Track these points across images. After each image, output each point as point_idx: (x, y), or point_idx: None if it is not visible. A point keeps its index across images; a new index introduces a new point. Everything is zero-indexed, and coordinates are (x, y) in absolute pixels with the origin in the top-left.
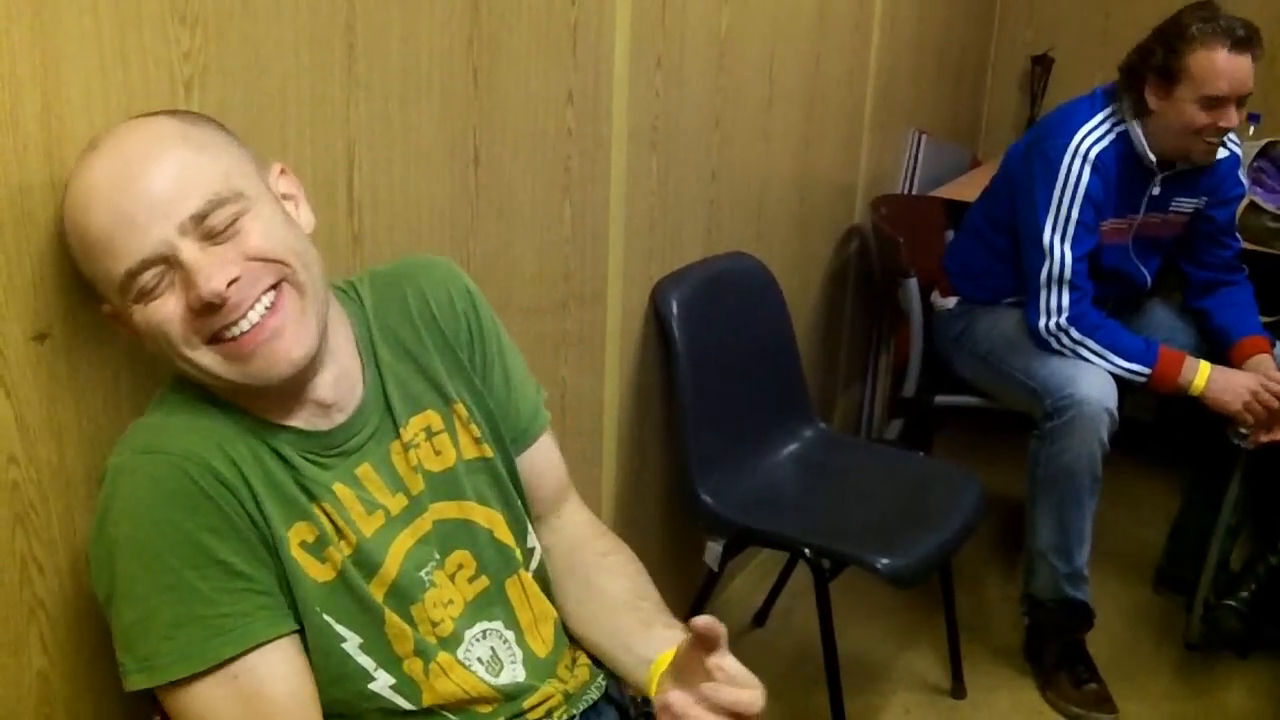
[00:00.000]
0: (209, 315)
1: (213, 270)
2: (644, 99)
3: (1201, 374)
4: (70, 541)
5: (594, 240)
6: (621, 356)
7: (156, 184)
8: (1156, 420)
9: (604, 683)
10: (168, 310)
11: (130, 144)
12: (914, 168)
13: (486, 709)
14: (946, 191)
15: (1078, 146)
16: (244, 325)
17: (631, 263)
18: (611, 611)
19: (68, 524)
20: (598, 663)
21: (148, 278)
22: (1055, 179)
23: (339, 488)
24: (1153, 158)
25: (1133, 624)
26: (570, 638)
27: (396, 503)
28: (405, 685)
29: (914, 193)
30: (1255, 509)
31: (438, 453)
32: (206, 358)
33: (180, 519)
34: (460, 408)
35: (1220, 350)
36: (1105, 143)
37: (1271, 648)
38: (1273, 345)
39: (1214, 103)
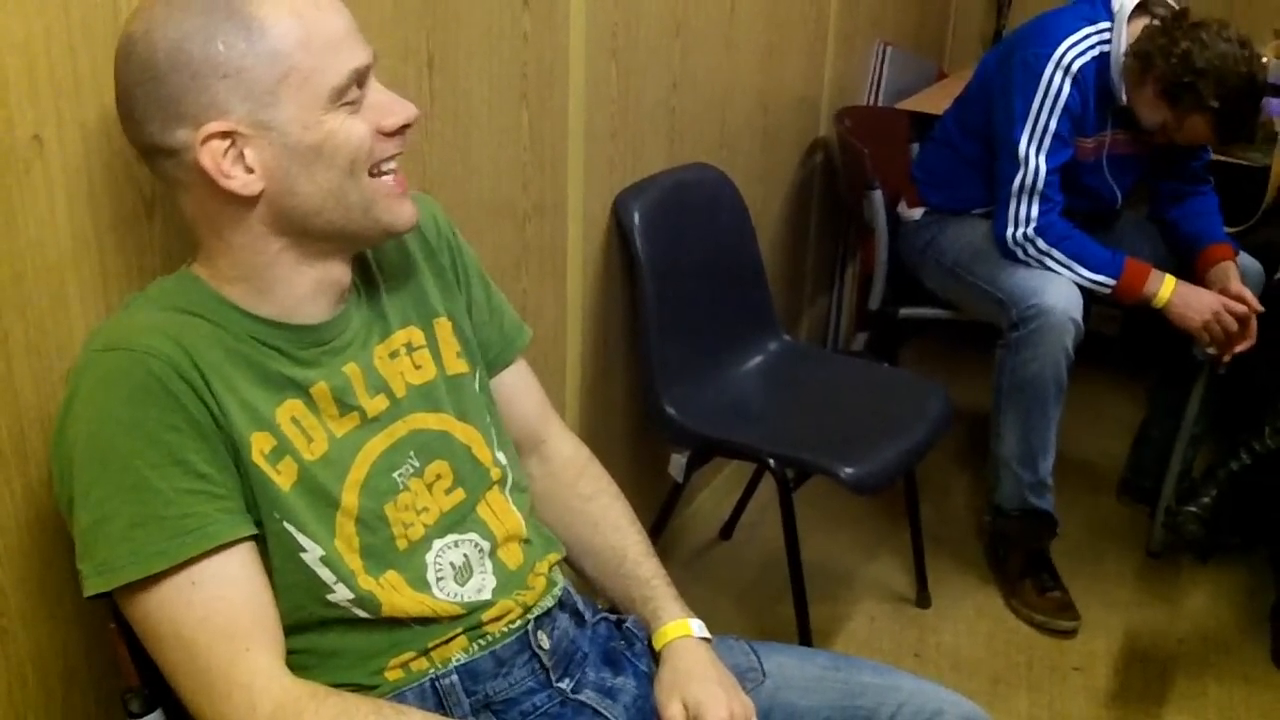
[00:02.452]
0: (397, 138)
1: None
2: (602, 4)
3: (1166, 287)
4: (20, 452)
5: (553, 149)
6: (584, 268)
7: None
8: (1121, 334)
9: (560, 592)
10: (361, 130)
11: None
12: (879, 80)
13: (445, 622)
14: (912, 104)
15: (1060, 57)
16: (396, 165)
17: (592, 172)
18: (597, 571)
19: (17, 435)
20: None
21: (355, 90)
22: (1035, 88)
23: (319, 387)
24: (1124, 99)
25: (1096, 532)
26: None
27: (375, 405)
28: (365, 599)
29: (879, 105)
30: (1216, 418)
31: (418, 367)
32: (372, 187)
33: (140, 416)
34: (444, 322)
35: (1186, 259)
36: (1087, 57)
37: (1231, 553)
38: (1236, 254)
39: None
